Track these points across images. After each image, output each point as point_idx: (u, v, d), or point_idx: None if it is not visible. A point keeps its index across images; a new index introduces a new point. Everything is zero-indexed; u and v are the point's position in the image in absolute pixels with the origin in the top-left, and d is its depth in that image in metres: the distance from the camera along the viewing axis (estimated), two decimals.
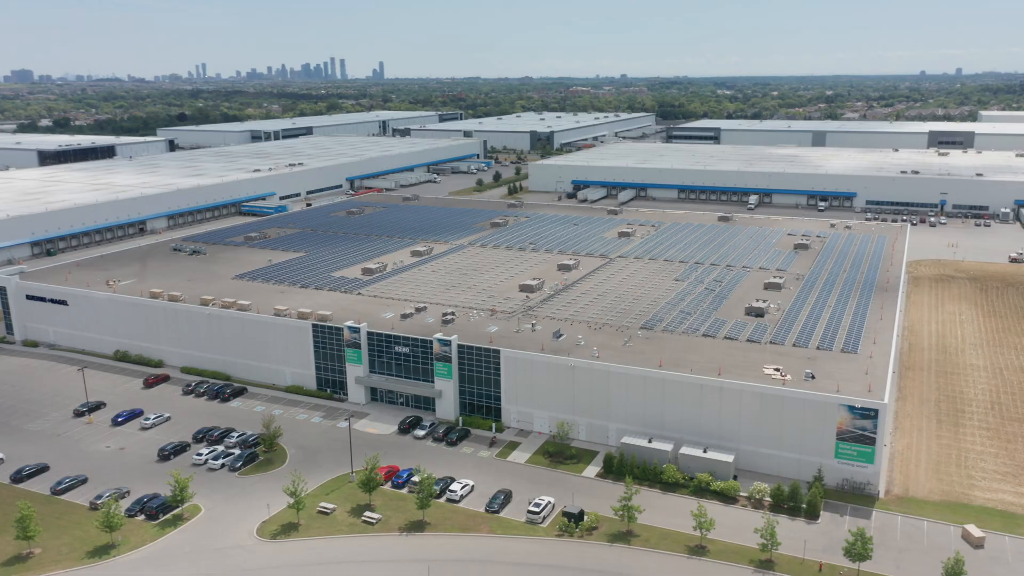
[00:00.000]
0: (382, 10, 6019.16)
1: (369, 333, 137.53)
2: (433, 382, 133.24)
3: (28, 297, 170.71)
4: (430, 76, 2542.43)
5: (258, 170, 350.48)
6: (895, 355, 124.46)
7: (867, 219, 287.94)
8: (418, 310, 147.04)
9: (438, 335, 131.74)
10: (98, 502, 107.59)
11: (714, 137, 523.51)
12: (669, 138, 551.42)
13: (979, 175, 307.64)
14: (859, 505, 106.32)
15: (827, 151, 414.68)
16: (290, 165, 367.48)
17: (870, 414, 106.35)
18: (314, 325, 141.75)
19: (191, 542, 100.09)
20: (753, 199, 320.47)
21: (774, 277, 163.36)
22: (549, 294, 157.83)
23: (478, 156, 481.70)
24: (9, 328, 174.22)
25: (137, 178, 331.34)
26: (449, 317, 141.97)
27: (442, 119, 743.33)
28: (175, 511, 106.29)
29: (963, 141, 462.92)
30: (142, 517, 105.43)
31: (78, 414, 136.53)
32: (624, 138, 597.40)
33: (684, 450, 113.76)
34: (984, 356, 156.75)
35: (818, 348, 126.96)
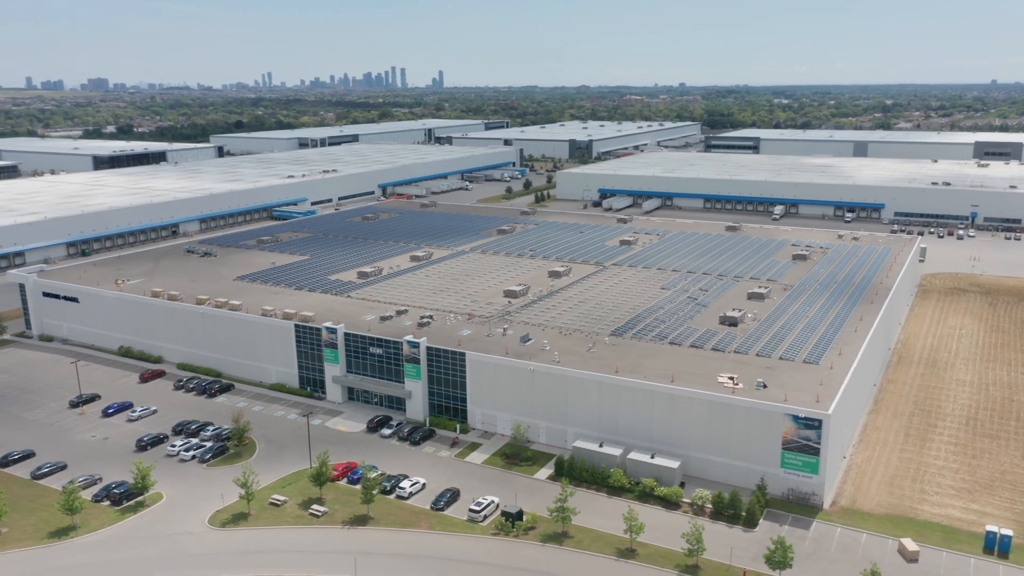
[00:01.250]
0: (444, 20, 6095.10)
1: (346, 334, 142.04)
2: (403, 383, 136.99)
3: (44, 294, 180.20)
4: (488, 85, 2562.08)
5: (292, 176, 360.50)
6: (856, 367, 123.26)
7: (892, 231, 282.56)
8: (399, 313, 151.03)
9: (408, 337, 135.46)
10: (70, 486, 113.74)
11: (753, 147, 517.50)
12: (708, 147, 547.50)
13: (1013, 187, 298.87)
14: (800, 515, 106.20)
15: (863, 161, 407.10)
16: (324, 171, 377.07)
17: (814, 424, 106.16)
18: (296, 325, 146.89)
19: (146, 527, 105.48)
20: (779, 209, 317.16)
21: (759, 287, 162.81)
22: (532, 300, 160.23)
23: (514, 164, 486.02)
24: (28, 323, 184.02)
25: (176, 183, 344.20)
26: (426, 320, 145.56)
27: (488, 127, 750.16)
28: (138, 498, 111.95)
29: (1010, 152, 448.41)
30: (107, 503, 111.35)
31: (73, 405, 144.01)
32: (666, 147, 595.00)
33: (632, 455, 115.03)
34: (973, 371, 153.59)
35: (781, 358, 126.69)
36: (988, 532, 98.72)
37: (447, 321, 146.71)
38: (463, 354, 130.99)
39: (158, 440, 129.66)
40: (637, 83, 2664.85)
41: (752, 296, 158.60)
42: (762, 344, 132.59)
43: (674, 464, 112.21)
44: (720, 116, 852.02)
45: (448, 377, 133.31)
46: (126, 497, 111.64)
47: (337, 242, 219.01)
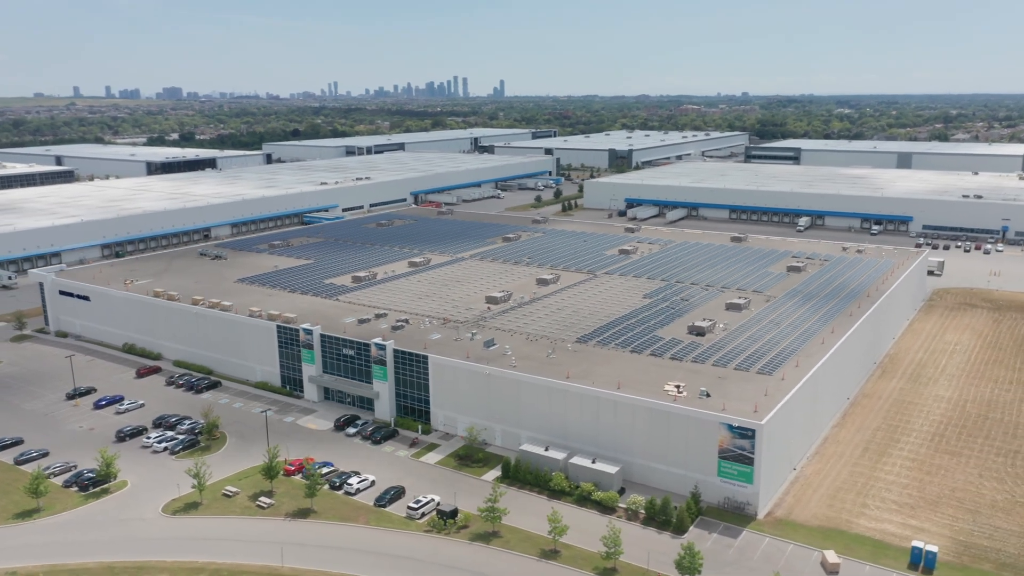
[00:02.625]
0: (507, 30, 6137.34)
1: (321, 336, 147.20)
2: (372, 384, 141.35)
3: (60, 292, 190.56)
4: (548, 94, 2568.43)
5: (325, 183, 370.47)
6: (808, 379, 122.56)
7: (917, 244, 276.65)
8: (378, 316, 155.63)
9: (376, 339, 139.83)
10: (45, 472, 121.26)
11: (794, 157, 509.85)
12: (748, 158, 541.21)
13: None
14: (731, 524, 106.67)
15: (900, 173, 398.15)
16: (357, 179, 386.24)
17: (747, 434, 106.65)
18: (279, 326, 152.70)
19: (104, 512, 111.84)
20: (804, 221, 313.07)
21: (738, 298, 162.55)
22: (512, 306, 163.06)
23: (550, 173, 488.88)
24: (46, 320, 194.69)
25: (214, 189, 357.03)
26: (400, 324, 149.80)
27: (535, 136, 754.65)
28: (104, 485, 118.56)
29: None
30: (75, 488, 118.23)
31: (69, 397, 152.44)
32: (709, 157, 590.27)
33: (574, 460, 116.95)
34: (955, 387, 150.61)
35: (735, 368, 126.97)
36: (914, 548, 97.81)
37: (422, 325, 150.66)
38: (426, 357, 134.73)
39: (137, 432, 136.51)
40: (699, 92, 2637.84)
41: (730, 307, 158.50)
42: (722, 354, 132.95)
43: (612, 469, 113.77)
44: (773, 126, 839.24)
45: (413, 379, 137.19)
46: (93, 484, 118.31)
47: (345, 247, 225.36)
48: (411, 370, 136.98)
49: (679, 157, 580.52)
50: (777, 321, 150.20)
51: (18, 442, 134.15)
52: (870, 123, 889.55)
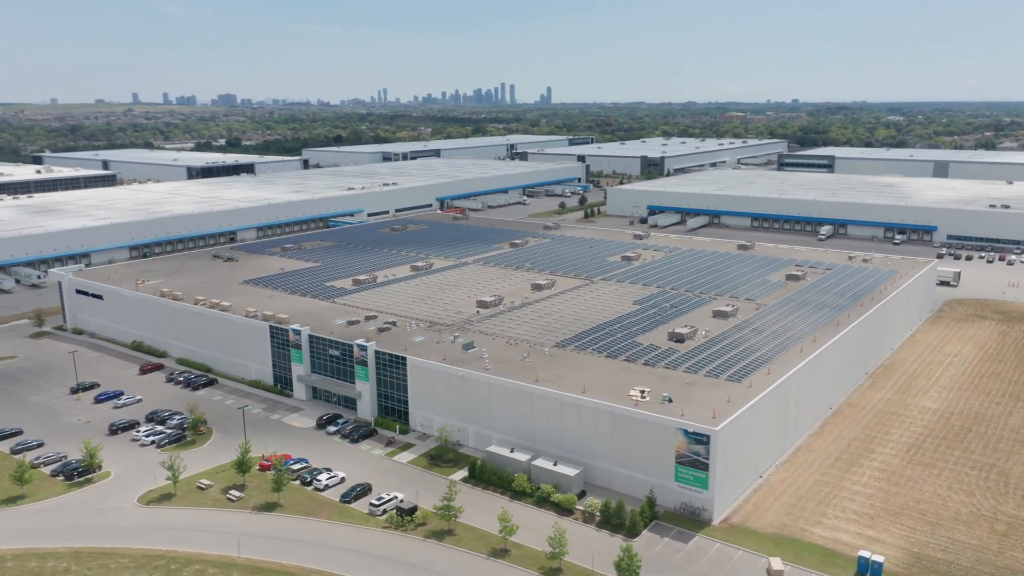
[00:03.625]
0: (556, 38, 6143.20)
1: (309, 336, 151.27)
2: (355, 384, 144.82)
3: (77, 291, 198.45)
4: (594, 101, 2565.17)
5: (351, 188, 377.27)
6: (776, 387, 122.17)
7: (939, 255, 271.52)
8: (367, 318, 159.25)
9: (359, 341, 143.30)
10: (36, 461, 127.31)
11: (828, 165, 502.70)
12: (781, 166, 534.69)
13: None
14: (685, 529, 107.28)
15: (930, 182, 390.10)
16: (384, 184, 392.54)
17: (702, 440, 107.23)
18: (271, 327, 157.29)
19: (84, 500, 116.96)
20: (825, 229, 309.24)
21: (726, 305, 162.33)
22: (502, 310, 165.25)
23: (579, 180, 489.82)
24: (64, 317, 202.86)
25: (245, 193, 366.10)
26: (387, 326, 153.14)
27: (572, 143, 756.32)
28: (89, 475, 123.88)
29: None
30: (61, 477, 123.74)
31: (73, 391, 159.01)
32: (744, 165, 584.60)
33: (536, 462, 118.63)
34: (945, 399, 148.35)
35: (705, 375, 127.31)
36: (860, 557, 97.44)
37: (408, 327, 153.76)
38: (404, 358, 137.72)
39: (130, 426, 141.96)
40: (747, 99, 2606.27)
41: (717, 314, 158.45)
42: (695, 360, 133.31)
43: (572, 472, 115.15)
44: (815, 134, 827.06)
45: (393, 380, 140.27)
46: (79, 474, 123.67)
47: (354, 251, 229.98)
48: (391, 371, 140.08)
49: (713, 165, 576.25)
50: (761, 329, 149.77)
51: (17, 432, 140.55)
52: (916, 131, 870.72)
